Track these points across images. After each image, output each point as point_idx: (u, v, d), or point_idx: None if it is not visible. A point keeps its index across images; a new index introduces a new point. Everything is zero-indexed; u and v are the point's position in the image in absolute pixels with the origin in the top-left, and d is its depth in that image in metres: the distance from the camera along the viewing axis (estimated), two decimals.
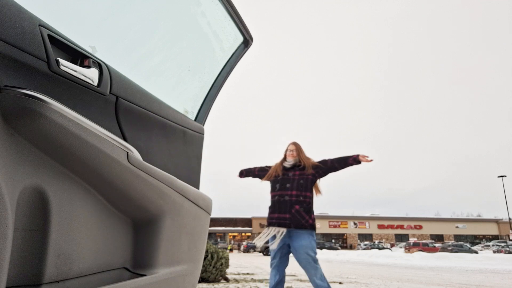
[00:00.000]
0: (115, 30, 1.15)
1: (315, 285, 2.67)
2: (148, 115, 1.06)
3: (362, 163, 2.89)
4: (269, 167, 3.19)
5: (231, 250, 39.55)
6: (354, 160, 2.91)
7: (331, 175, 3.03)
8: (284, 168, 3.05)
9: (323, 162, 3.00)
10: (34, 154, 0.71)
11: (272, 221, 2.89)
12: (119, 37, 1.18)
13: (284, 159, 3.10)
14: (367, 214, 53.47)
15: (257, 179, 3.32)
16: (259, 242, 2.92)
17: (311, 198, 2.93)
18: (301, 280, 6.34)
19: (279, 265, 2.85)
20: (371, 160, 2.88)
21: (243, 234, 49.53)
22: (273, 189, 3.02)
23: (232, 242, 46.29)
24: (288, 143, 3.18)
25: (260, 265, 12.01)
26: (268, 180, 3.13)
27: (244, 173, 3.34)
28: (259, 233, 3.13)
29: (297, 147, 3.10)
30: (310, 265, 2.72)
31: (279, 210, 2.87)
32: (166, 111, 1.15)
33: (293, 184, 2.91)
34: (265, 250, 28.35)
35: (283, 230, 2.82)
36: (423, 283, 6.45)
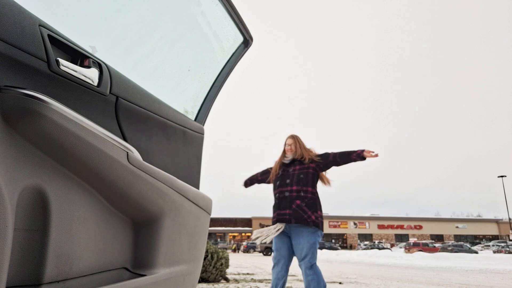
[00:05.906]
0: (115, 30, 1.15)
1: None
2: (148, 115, 1.06)
3: (367, 159, 2.66)
4: (271, 168, 3.01)
5: (234, 250, 39.01)
6: (357, 156, 2.66)
7: (330, 174, 2.89)
8: (284, 164, 2.87)
9: (325, 155, 2.80)
10: (34, 154, 0.71)
11: (273, 219, 2.74)
12: (119, 37, 1.18)
13: (284, 154, 2.93)
14: (367, 214, 53.48)
15: (263, 184, 3.12)
16: (258, 240, 2.75)
17: (314, 193, 2.72)
18: (301, 280, 6.33)
19: (280, 264, 2.67)
20: (377, 155, 2.61)
21: (243, 234, 49.50)
22: (274, 187, 2.85)
23: (232, 242, 46.12)
24: (286, 136, 2.95)
25: (260, 265, 12.00)
26: (272, 180, 2.96)
27: (249, 182, 3.19)
28: None
29: (295, 140, 2.88)
30: (304, 272, 2.56)
31: (279, 207, 2.70)
32: (166, 111, 1.15)
33: (293, 179, 2.72)
34: (265, 251, 28.33)
35: (282, 226, 2.64)
36: (423, 283, 6.45)
